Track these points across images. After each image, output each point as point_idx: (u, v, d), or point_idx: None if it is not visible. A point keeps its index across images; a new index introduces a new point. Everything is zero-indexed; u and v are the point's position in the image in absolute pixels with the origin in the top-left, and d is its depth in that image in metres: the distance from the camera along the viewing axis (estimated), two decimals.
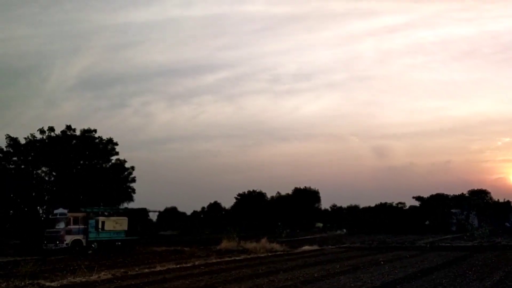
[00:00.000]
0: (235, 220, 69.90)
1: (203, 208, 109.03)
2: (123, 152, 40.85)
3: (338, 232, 62.84)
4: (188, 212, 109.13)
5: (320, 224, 79.74)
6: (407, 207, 66.50)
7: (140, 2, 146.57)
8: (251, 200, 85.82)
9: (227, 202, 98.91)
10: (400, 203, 66.54)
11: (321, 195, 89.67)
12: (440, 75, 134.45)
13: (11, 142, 36.75)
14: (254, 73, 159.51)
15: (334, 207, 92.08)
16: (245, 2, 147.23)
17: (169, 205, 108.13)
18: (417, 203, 66.52)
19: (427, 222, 58.83)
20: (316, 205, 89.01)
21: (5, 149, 36.70)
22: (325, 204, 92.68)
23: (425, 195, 67.33)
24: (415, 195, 67.22)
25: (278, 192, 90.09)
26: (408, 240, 37.60)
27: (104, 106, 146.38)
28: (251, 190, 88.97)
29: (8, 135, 36.86)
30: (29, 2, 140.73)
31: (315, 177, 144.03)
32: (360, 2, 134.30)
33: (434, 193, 67.84)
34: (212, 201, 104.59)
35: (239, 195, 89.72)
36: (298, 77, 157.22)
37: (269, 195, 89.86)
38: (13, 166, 36.48)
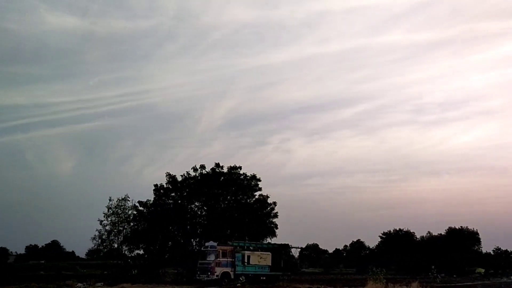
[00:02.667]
0: (381, 260, 65.84)
1: (345, 246, 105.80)
2: (265, 188, 42.22)
3: (504, 279, 54.28)
4: (330, 250, 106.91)
5: (481, 270, 70.16)
6: None
7: (279, 43, 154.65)
8: (397, 240, 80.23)
9: (371, 240, 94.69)
10: None
11: (481, 236, 79.88)
12: None
13: (170, 179, 40.95)
14: (395, 104, 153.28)
15: (497, 250, 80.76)
16: (383, 33, 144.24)
17: (310, 242, 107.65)
18: None
19: None
20: (475, 247, 79.23)
21: (165, 185, 41.00)
22: (486, 247, 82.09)
23: None
24: None
25: (429, 232, 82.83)
26: None
27: (246, 144, 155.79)
28: (398, 228, 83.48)
29: (168, 173, 41.27)
30: (183, 54, 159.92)
31: (472, 215, 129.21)
32: None
33: None
34: (355, 239, 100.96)
35: (384, 233, 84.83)
36: (446, 106, 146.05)
37: (418, 235, 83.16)
38: (171, 201, 40.43)
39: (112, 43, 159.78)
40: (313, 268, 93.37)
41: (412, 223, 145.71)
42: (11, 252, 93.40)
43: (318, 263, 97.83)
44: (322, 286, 31.85)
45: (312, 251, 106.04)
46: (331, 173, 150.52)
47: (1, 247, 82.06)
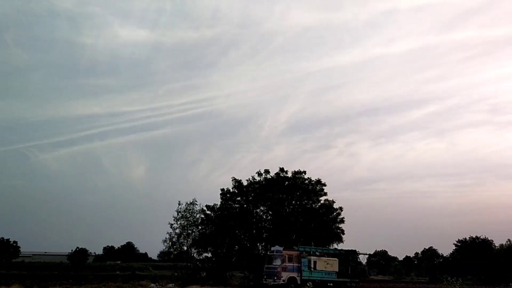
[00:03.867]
0: (456, 269, 62.24)
1: (416, 253, 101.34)
2: (330, 193, 41.60)
3: None
4: (400, 257, 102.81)
5: None
6: None
7: (342, 45, 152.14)
8: (474, 248, 75.34)
9: (445, 248, 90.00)
10: None
11: None
12: None
13: (236, 184, 41.63)
14: (469, 105, 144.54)
15: None
16: (453, 30, 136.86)
17: (379, 248, 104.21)
18: None
19: None
20: None
21: (231, 190, 41.75)
22: None
23: None
24: None
25: (509, 240, 76.84)
26: None
27: (310, 148, 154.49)
28: (474, 236, 78.35)
29: (234, 177, 41.94)
30: (247, 61, 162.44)
31: None
32: None
33: None
34: (427, 246, 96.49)
35: (459, 241, 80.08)
36: None
37: (497, 243, 77.48)
38: (237, 205, 41.06)
39: (179, 53, 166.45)
40: (382, 276, 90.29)
41: (490, 230, 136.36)
42: (90, 252, 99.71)
43: (388, 271, 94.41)
44: None
45: (380, 258, 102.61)
46: (399, 178, 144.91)
47: (82, 248, 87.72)
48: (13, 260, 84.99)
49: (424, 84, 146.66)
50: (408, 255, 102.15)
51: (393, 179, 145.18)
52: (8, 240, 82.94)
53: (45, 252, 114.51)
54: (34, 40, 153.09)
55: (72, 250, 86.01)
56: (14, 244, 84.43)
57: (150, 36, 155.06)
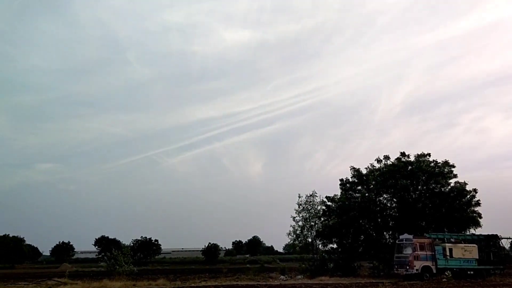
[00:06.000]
0: None
1: None
2: (459, 174, 38.28)
3: None
4: None
5: None
6: None
7: (458, 12, 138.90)
8: None
9: None
10: None
11: None
12: None
13: (355, 173, 40.65)
14: None
15: None
16: None
17: None
18: None
19: None
20: None
21: (350, 179, 40.90)
22: None
23: None
24: None
25: None
26: None
27: (431, 128, 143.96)
28: None
29: (352, 166, 40.98)
30: (353, 45, 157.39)
31: None
32: None
33: None
34: None
35: None
36: None
37: None
38: (358, 195, 40.06)
39: (282, 47, 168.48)
40: None
41: None
42: (221, 247, 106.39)
43: None
44: None
45: None
46: None
47: (213, 243, 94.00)
48: (156, 257, 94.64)
49: None
50: None
51: None
52: (150, 239, 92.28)
53: (182, 248, 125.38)
54: (152, 55, 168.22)
55: (205, 246, 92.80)
56: (156, 242, 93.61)
57: (253, 35, 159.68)
